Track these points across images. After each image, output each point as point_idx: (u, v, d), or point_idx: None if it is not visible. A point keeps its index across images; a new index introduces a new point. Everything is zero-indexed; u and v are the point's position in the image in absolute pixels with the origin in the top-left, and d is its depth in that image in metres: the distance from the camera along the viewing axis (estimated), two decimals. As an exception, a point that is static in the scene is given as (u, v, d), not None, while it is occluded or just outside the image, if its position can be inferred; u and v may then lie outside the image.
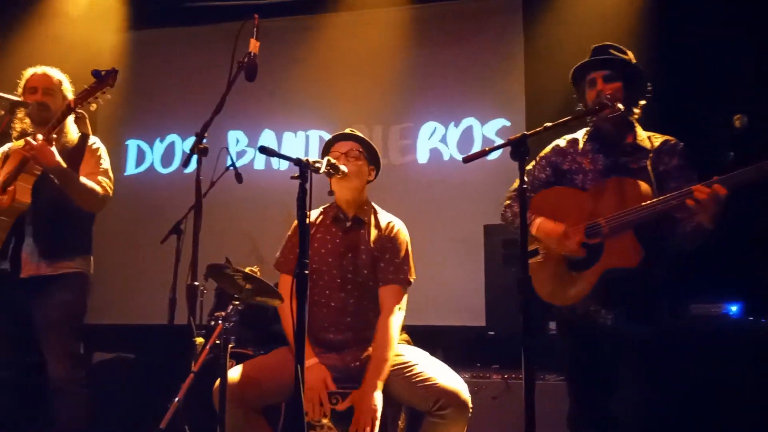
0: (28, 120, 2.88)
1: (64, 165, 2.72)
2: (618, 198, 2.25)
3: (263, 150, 1.91)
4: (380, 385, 2.30)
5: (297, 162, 1.91)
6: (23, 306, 2.81)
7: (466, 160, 1.93)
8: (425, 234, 2.69)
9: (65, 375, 2.77)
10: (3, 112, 2.72)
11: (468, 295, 4.29)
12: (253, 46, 2.23)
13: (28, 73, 2.93)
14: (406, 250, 2.59)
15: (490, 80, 4.68)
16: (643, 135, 2.39)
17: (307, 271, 1.85)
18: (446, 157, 4.73)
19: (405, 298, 2.54)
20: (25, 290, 2.79)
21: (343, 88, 4.88)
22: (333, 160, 2.13)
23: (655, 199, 2.18)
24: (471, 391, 2.35)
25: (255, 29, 2.26)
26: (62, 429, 2.77)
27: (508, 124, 4.61)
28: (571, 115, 2.12)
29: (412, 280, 2.57)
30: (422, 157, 4.79)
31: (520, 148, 1.83)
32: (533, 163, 2.51)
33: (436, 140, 4.78)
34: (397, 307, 2.47)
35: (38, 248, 2.79)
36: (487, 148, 1.95)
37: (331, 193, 2.48)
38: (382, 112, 4.83)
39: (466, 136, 4.69)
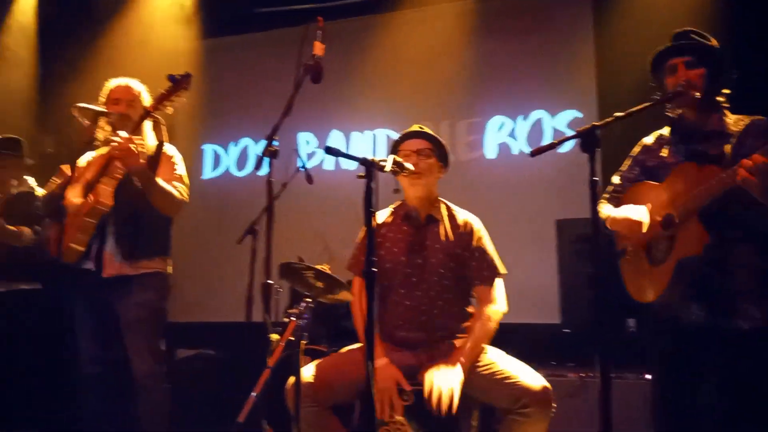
0: (109, 128, 3.02)
1: (146, 166, 2.84)
2: (687, 186, 2.16)
3: (329, 150, 1.94)
4: (466, 364, 2.31)
5: (362, 161, 1.92)
6: (108, 304, 2.94)
7: (534, 153, 1.89)
8: (495, 231, 2.66)
9: (148, 370, 2.88)
10: (88, 122, 2.87)
11: (541, 292, 4.19)
12: (318, 48, 2.26)
13: (112, 84, 3.07)
14: (492, 246, 2.60)
15: (559, 70, 4.54)
16: (731, 119, 2.27)
17: (375, 269, 1.86)
18: (515, 152, 4.64)
19: (503, 292, 2.56)
20: (108, 289, 2.91)
21: (409, 86, 4.88)
22: (399, 159, 2.14)
23: (711, 180, 2.07)
24: (550, 390, 2.31)
25: (320, 32, 2.29)
26: (146, 422, 2.89)
27: (580, 115, 4.46)
28: (643, 104, 2.04)
29: (502, 273, 2.59)
30: (490, 152, 4.72)
31: (589, 140, 1.77)
32: (626, 163, 2.50)
33: (504, 134, 4.69)
34: (498, 300, 2.51)
35: (119, 249, 2.90)
36: (555, 141, 1.90)
37: (396, 191, 2.49)
38: (448, 107, 4.79)
39: (536, 129, 4.59)
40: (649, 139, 2.46)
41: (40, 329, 3.66)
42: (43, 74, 5.09)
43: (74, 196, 2.94)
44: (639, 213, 2.26)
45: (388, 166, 2.05)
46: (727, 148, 2.21)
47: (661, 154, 2.37)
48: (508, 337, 2.95)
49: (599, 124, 1.80)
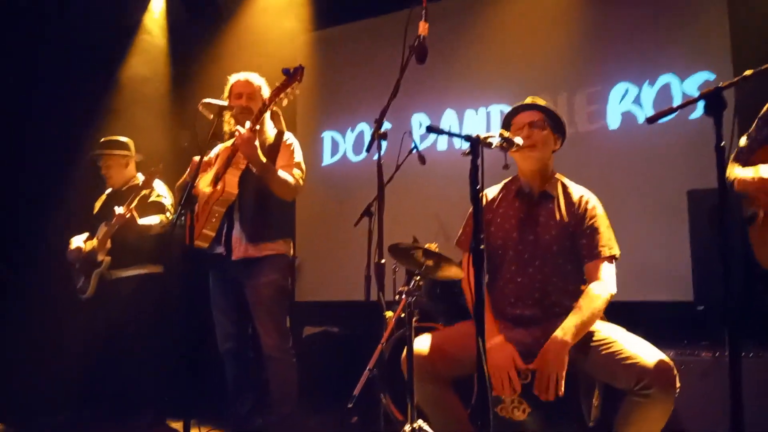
0: (232, 121, 3.22)
1: (263, 157, 3.00)
2: None
3: (430, 129, 1.94)
4: (570, 344, 2.22)
5: (467, 138, 1.91)
6: (238, 285, 3.16)
7: (650, 120, 1.78)
8: (620, 206, 2.52)
9: (275, 346, 3.08)
10: (213, 116, 3.07)
11: (673, 267, 3.95)
12: (422, 28, 2.26)
13: (233, 79, 3.27)
14: (607, 225, 2.47)
15: (688, 28, 4.17)
16: None
17: (483, 246, 1.85)
18: (641, 121, 4.35)
19: (613, 273, 2.41)
20: (237, 271, 3.13)
21: (521, 59, 4.72)
22: (507, 133, 2.10)
23: None
24: (677, 370, 2.17)
25: (424, 12, 2.28)
26: (277, 392, 3.10)
27: (712, 77, 4.09)
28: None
29: (617, 255, 2.44)
30: (613, 122, 4.47)
31: (714, 102, 1.64)
32: (754, 125, 2.31)
33: (628, 103, 4.42)
34: (606, 279, 2.37)
35: (245, 233, 3.11)
36: (673, 106, 1.77)
37: (506, 167, 2.45)
38: (566, 77, 4.58)
39: (664, 95, 4.25)
40: None
41: (169, 309, 4.01)
42: (174, 73, 5.49)
43: (204, 186, 3.18)
44: None
45: (495, 142, 2.01)
46: None
47: None
48: (638, 317, 2.82)
49: (725, 85, 1.66)
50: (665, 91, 4.27)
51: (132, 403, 3.99)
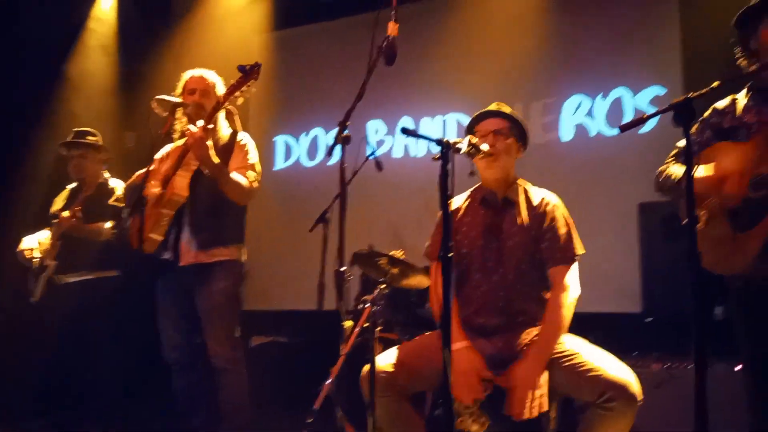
0: (185, 119, 3.08)
1: (215, 158, 2.88)
2: None
3: (405, 131, 1.88)
4: (544, 362, 2.20)
5: (438, 142, 1.86)
6: (186, 292, 3.02)
7: (624, 128, 1.77)
8: (571, 216, 2.55)
9: (226, 356, 2.95)
10: (167, 114, 2.93)
11: (621, 279, 4.02)
12: (392, 29, 2.20)
13: (187, 75, 3.14)
14: (567, 225, 2.46)
15: (641, 44, 4.29)
16: None
17: (451, 254, 1.80)
18: (593, 133, 4.44)
19: (576, 274, 2.41)
20: (186, 277, 2.99)
21: (479, 68, 4.75)
22: (475, 140, 2.06)
23: None
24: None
25: (393, 13, 2.23)
26: (227, 405, 2.97)
27: (663, 91, 4.20)
28: (748, 71, 1.88)
29: (579, 254, 2.43)
30: (566, 134, 4.54)
31: (684, 112, 1.64)
32: (695, 127, 2.32)
33: (581, 115, 4.49)
34: (568, 284, 2.36)
35: (195, 238, 2.97)
36: (645, 115, 1.78)
37: (472, 173, 2.41)
38: (521, 88, 4.63)
39: (616, 108, 4.36)
40: (720, 103, 2.30)
41: (120, 317, 3.82)
42: (123, 72, 5.28)
43: (153, 188, 3.03)
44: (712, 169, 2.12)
45: (464, 148, 1.97)
46: None
47: (737, 115, 2.21)
48: (587, 327, 2.84)
49: (695, 95, 1.67)
50: (618, 104, 4.37)
51: (81, 414, 3.76)
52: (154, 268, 3.06)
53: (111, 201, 3.77)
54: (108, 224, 3.69)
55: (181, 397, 3.07)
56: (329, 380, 2.13)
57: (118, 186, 3.80)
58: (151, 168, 3.08)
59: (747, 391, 2.24)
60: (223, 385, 2.97)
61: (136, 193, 3.01)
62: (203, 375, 3.07)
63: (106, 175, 3.88)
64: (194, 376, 3.07)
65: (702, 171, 2.17)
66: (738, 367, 2.88)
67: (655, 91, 4.25)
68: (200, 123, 2.85)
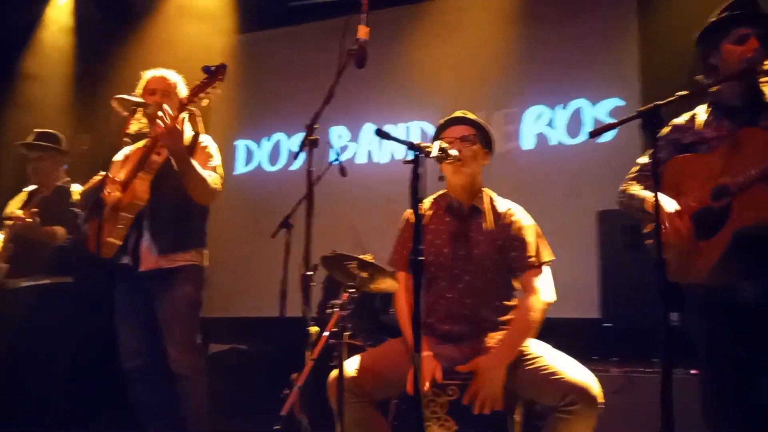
0: (145, 120, 3.00)
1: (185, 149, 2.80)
2: (749, 151, 2.02)
3: (379, 133, 1.87)
4: (508, 360, 2.22)
5: (410, 146, 1.86)
6: (146, 298, 2.93)
7: (593, 134, 1.81)
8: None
9: (187, 364, 2.87)
10: (126, 114, 2.85)
11: (581, 285, 4.08)
12: (363, 32, 2.19)
13: (148, 75, 3.06)
14: (536, 233, 2.49)
15: (600, 57, 4.41)
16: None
17: (422, 258, 1.79)
18: (553, 142, 4.53)
19: (549, 279, 2.44)
20: (146, 283, 2.91)
21: (443, 77, 4.80)
22: (444, 144, 2.07)
23: None
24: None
25: (364, 17, 2.22)
26: (188, 414, 2.88)
27: (622, 103, 4.32)
28: (708, 82, 1.93)
29: (548, 260, 2.47)
30: (527, 143, 4.62)
31: (652, 120, 1.68)
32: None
33: (542, 124, 4.58)
34: (540, 288, 2.38)
35: (155, 242, 2.89)
36: (615, 121, 1.81)
37: (441, 178, 2.41)
38: (484, 98, 4.69)
39: (576, 118, 4.46)
40: (679, 120, 2.35)
41: (75, 323, 3.68)
42: (80, 72, 5.13)
43: (112, 191, 2.93)
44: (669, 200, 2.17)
45: (434, 152, 1.98)
46: None
47: (698, 130, 2.26)
48: (547, 332, 2.88)
49: (662, 103, 1.71)
50: (577, 115, 4.46)
51: (32, 426, 3.59)
52: (112, 273, 2.96)
53: (69, 205, 3.65)
54: (63, 229, 3.57)
55: (139, 405, 2.97)
56: (296, 386, 2.09)
57: (77, 190, 3.68)
58: (110, 170, 2.99)
59: (702, 397, 2.28)
60: (184, 393, 2.88)
61: (93, 197, 2.91)
62: (162, 383, 2.98)
63: (66, 178, 3.76)
64: (153, 384, 2.97)
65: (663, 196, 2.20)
66: (694, 371, 2.96)
67: (614, 102, 4.36)
68: (171, 113, 2.76)
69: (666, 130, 2.37)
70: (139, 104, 2.89)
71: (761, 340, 2.09)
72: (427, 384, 2.22)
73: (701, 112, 2.31)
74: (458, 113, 2.57)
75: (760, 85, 2.18)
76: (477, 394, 2.18)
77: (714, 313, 2.18)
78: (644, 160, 2.41)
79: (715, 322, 2.18)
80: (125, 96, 2.88)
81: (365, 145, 5.07)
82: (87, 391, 3.71)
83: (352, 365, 2.35)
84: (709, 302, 2.19)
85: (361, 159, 5.07)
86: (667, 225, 2.13)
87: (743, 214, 2.02)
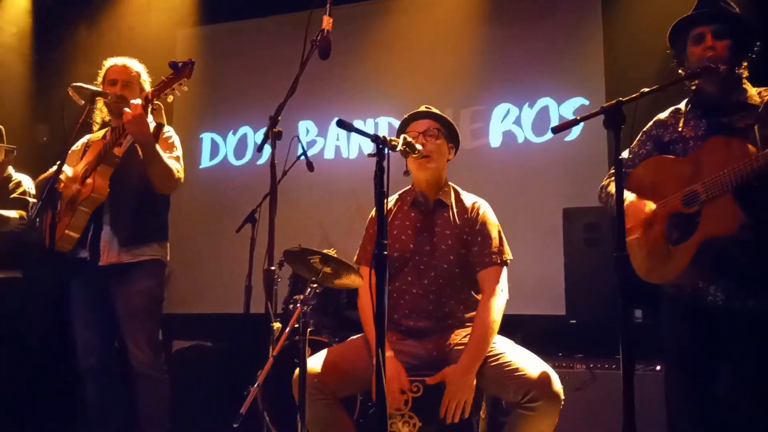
0: (105, 110, 2.93)
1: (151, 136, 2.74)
2: (719, 159, 2.04)
3: (341, 124, 1.83)
4: (476, 367, 2.21)
5: (374, 138, 1.83)
6: (104, 294, 2.86)
7: (555, 130, 1.81)
8: (498, 221, 2.59)
9: (147, 361, 2.81)
10: (84, 102, 2.77)
11: (546, 282, 4.12)
12: (326, 22, 2.16)
13: (109, 63, 2.98)
14: (498, 230, 2.48)
15: (566, 57, 4.44)
16: (752, 91, 2.18)
17: (386, 252, 1.77)
18: (520, 140, 4.55)
19: (505, 279, 2.42)
20: (105, 278, 2.84)
21: (411, 73, 4.78)
22: (409, 138, 2.05)
23: (753, 157, 1.95)
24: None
25: (328, 6, 2.19)
26: (146, 413, 2.82)
27: (586, 102, 4.36)
28: (672, 80, 1.95)
29: (508, 260, 2.46)
30: (495, 140, 4.63)
31: (614, 116, 1.68)
32: (637, 139, 2.39)
33: (509, 123, 4.60)
34: (498, 288, 2.37)
35: (116, 236, 2.83)
36: (578, 117, 1.81)
37: (407, 173, 2.40)
38: (452, 95, 4.68)
39: (542, 117, 4.49)
40: (662, 114, 2.37)
41: (25, 319, 3.56)
42: (37, 62, 4.98)
43: (70, 183, 2.85)
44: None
45: (399, 146, 1.95)
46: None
47: (678, 128, 2.27)
48: (513, 328, 2.89)
49: (625, 100, 1.71)
50: (543, 113, 4.49)
51: None
52: (67, 267, 2.87)
53: (16, 194, 3.53)
54: (14, 213, 3.44)
55: (94, 405, 2.89)
56: (256, 384, 2.04)
57: (23, 179, 3.55)
58: (67, 160, 2.90)
59: (668, 394, 2.32)
60: (143, 391, 2.82)
61: (49, 186, 2.82)
62: (119, 382, 2.90)
63: (11, 169, 3.63)
64: (109, 383, 2.90)
65: (631, 205, 2.23)
66: (658, 367, 3.00)
67: (579, 101, 4.41)
68: (137, 101, 2.71)
69: (649, 125, 2.39)
70: (97, 93, 2.82)
71: (725, 338, 2.13)
72: (403, 400, 2.22)
73: (683, 107, 2.32)
74: (422, 108, 2.55)
75: (743, 83, 2.20)
76: (447, 404, 2.17)
77: (683, 313, 2.22)
78: (625, 155, 2.43)
79: (683, 321, 2.22)
80: (82, 84, 2.80)
81: (333, 140, 5.03)
82: (38, 392, 3.59)
83: (315, 362, 2.32)
84: (677, 303, 2.23)
85: (330, 154, 5.03)
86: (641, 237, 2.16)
87: (710, 223, 2.05)
